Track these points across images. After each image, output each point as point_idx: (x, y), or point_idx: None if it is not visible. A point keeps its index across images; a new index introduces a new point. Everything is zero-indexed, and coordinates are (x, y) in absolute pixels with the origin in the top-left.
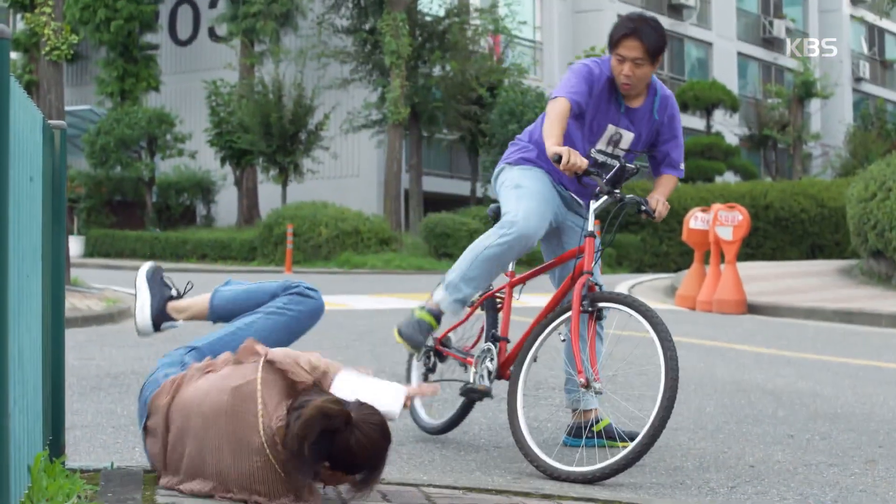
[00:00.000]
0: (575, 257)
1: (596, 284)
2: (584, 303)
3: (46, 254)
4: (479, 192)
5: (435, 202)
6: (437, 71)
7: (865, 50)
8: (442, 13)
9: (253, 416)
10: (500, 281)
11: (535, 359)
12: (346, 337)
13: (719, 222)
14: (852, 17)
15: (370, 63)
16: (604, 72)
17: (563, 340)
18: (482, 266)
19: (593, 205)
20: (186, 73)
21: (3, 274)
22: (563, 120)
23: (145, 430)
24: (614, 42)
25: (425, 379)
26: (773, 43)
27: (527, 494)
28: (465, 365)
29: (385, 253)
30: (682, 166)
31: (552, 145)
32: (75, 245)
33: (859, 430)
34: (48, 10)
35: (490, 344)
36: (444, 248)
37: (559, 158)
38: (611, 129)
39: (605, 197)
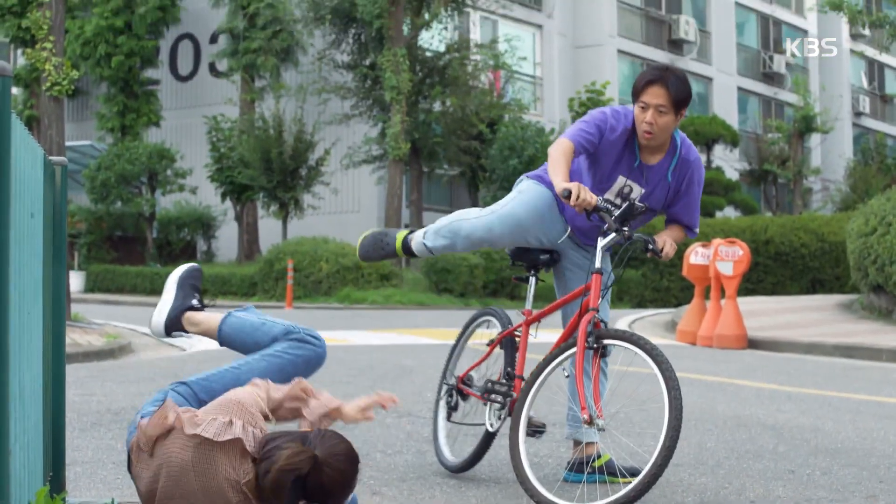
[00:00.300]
0: (583, 295)
1: (602, 321)
2: (588, 339)
3: (47, 290)
4: None
5: None
6: (437, 106)
7: (865, 84)
8: (442, 49)
9: (220, 472)
10: (518, 320)
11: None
12: (346, 372)
13: (720, 257)
14: (852, 51)
15: (370, 98)
16: (622, 122)
17: (567, 377)
18: (449, 234)
19: (601, 242)
20: (187, 109)
21: (4, 310)
22: (567, 158)
23: (130, 472)
24: (639, 90)
25: (448, 418)
26: (773, 78)
27: None
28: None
29: (385, 288)
30: (697, 230)
31: (560, 181)
32: (76, 280)
33: (860, 464)
34: (49, 45)
35: (503, 382)
36: (445, 284)
37: (569, 194)
38: (621, 180)
39: (614, 234)
